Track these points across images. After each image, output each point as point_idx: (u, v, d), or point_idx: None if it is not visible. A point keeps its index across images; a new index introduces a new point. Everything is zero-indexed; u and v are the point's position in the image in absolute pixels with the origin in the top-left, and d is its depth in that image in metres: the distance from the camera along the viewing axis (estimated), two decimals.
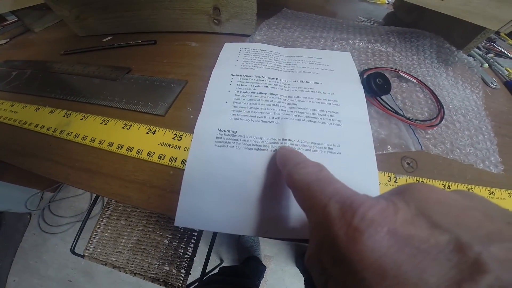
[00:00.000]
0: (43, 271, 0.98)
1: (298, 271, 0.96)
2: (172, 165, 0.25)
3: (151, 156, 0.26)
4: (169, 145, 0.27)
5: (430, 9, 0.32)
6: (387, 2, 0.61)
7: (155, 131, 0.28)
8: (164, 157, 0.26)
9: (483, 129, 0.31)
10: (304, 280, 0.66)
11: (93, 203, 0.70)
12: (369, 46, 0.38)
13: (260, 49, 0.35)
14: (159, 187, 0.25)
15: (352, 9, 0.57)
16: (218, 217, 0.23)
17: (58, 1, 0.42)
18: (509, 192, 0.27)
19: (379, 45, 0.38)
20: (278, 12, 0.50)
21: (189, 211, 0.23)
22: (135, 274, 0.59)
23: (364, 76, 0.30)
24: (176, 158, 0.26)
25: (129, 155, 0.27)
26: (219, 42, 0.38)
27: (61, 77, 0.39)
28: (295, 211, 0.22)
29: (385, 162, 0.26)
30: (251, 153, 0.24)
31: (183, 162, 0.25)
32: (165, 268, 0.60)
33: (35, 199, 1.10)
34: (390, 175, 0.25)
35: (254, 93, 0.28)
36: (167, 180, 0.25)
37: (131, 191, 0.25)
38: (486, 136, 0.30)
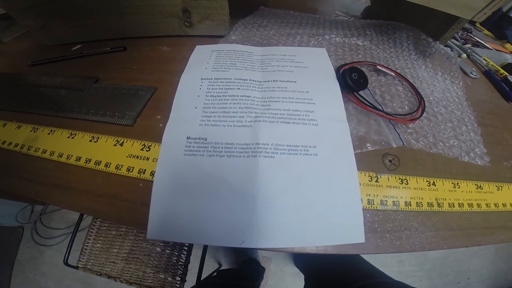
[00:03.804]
0: (43, 283, 0.98)
1: (298, 270, 0.96)
2: (141, 177, 0.24)
3: (120, 169, 0.25)
4: (137, 157, 0.25)
5: (406, 1, 0.31)
6: None
7: (122, 142, 0.27)
8: (132, 169, 0.25)
9: (465, 120, 0.31)
10: (304, 278, 0.65)
11: (82, 215, 0.69)
12: (346, 41, 0.37)
13: (233, 50, 0.33)
14: (129, 200, 0.24)
15: (330, 4, 0.56)
16: (191, 229, 0.21)
17: (20, 10, 0.39)
18: (497, 185, 0.26)
19: (355, 39, 0.37)
20: (255, 10, 0.48)
21: (161, 224, 0.22)
22: (131, 284, 0.58)
23: (340, 72, 0.29)
24: (145, 170, 0.24)
25: (98, 169, 0.25)
26: (192, 45, 0.37)
27: (28, 90, 0.36)
28: (272, 220, 0.21)
29: (365, 161, 0.25)
30: (223, 161, 0.23)
31: (152, 173, 0.24)
32: (160, 276, 0.59)
33: (26, 212, 1.09)
34: (371, 174, 0.24)
35: (226, 96, 0.27)
36: (137, 193, 0.24)
37: (102, 205, 0.24)
38: (469, 127, 0.30)
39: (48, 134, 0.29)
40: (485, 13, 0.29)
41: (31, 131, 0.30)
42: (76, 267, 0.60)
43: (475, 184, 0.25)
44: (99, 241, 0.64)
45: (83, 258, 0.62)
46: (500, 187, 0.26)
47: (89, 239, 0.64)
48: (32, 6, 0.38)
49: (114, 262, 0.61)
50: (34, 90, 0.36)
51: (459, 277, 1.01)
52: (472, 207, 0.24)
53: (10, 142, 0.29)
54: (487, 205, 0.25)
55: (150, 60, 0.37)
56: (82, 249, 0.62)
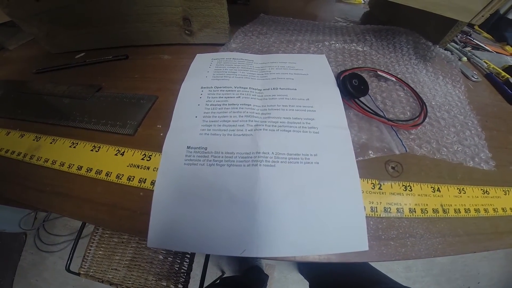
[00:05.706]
0: None
1: (302, 277, 0.95)
2: (141, 186, 0.24)
3: (120, 178, 0.25)
4: (138, 166, 0.25)
5: (403, 5, 0.31)
6: (363, 2, 0.61)
7: (123, 152, 0.27)
8: (133, 178, 0.25)
9: (469, 124, 0.30)
10: (309, 286, 0.64)
11: (84, 222, 0.69)
12: (346, 47, 0.37)
13: (233, 58, 0.33)
14: (129, 209, 0.24)
15: (329, 10, 0.57)
16: (191, 237, 0.21)
17: (24, 18, 0.40)
18: (504, 189, 0.25)
19: (355, 44, 0.37)
20: (255, 18, 0.49)
21: (162, 232, 0.21)
22: None
23: (340, 78, 0.29)
24: (146, 179, 0.24)
25: (98, 178, 0.25)
26: (193, 54, 0.37)
27: (32, 98, 0.37)
28: (273, 229, 0.21)
29: (368, 168, 0.25)
30: (224, 170, 0.23)
31: (153, 183, 0.24)
32: (162, 283, 0.59)
33: (29, 219, 1.10)
34: (373, 181, 0.24)
35: (226, 105, 0.27)
36: (137, 202, 0.24)
37: (102, 214, 0.24)
38: (473, 132, 0.29)
39: (51, 143, 0.29)
40: (482, 16, 0.29)
41: (33, 140, 0.30)
42: (78, 274, 0.60)
43: (481, 189, 0.25)
44: (101, 248, 0.64)
45: (85, 265, 0.62)
46: (507, 192, 0.25)
47: (91, 246, 0.64)
48: (36, 14, 0.39)
49: (116, 269, 0.61)
50: (38, 98, 0.36)
51: (468, 282, 0.99)
52: (479, 212, 0.24)
53: (13, 151, 0.29)
54: (494, 210, 0.24)
55: (151, 69, 0.38)
56: (84, 256, 0.62)
